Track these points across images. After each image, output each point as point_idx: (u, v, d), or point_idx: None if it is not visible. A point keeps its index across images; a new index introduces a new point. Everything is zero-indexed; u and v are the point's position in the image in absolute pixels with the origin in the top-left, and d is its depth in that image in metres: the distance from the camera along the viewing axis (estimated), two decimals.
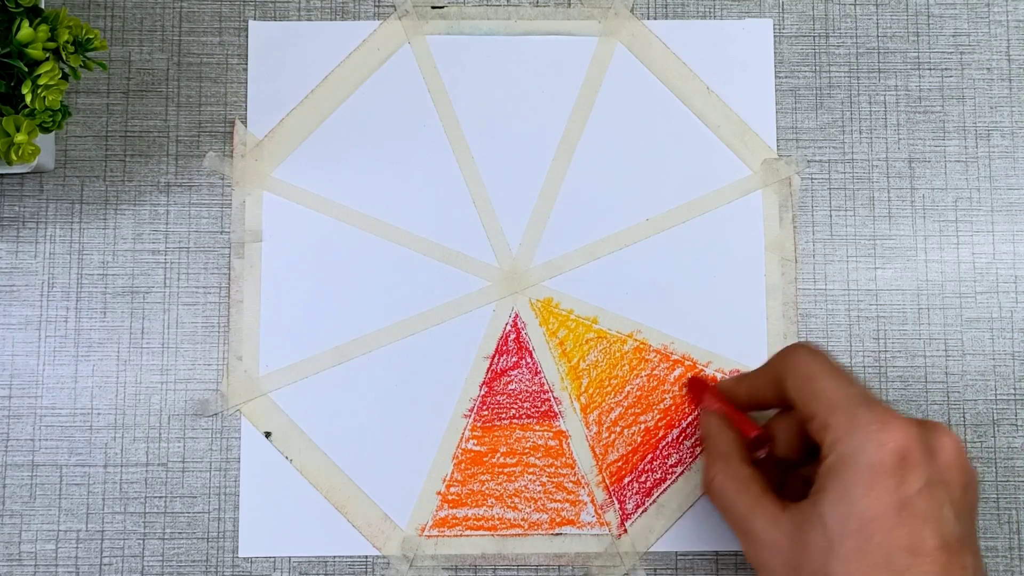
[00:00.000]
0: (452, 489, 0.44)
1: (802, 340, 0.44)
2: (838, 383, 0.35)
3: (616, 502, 0.44)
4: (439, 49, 0.46)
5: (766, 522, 0.36)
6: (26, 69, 0.37)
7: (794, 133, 0.46)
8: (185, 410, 0.44)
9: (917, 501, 0.33)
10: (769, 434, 0.40)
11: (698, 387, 0.43)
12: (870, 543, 0.33)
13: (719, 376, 0.45)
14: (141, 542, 0.43)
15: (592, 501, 0.44)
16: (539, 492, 0.44)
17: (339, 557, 0.44)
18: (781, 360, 0.38)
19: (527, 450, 0.44)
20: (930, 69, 0.47)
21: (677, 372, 0.45)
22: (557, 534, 0.44)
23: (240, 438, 0.44)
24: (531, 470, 0.44)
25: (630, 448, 0.44)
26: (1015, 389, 0.45)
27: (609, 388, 0.45)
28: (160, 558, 0.43)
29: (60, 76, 0.37)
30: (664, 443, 0.44)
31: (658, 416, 0.45)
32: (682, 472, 0.44)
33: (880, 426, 0.34)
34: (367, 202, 0.45)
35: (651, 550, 0.44)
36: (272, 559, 0.43)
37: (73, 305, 0.45)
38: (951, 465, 0.34)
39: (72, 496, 0.44)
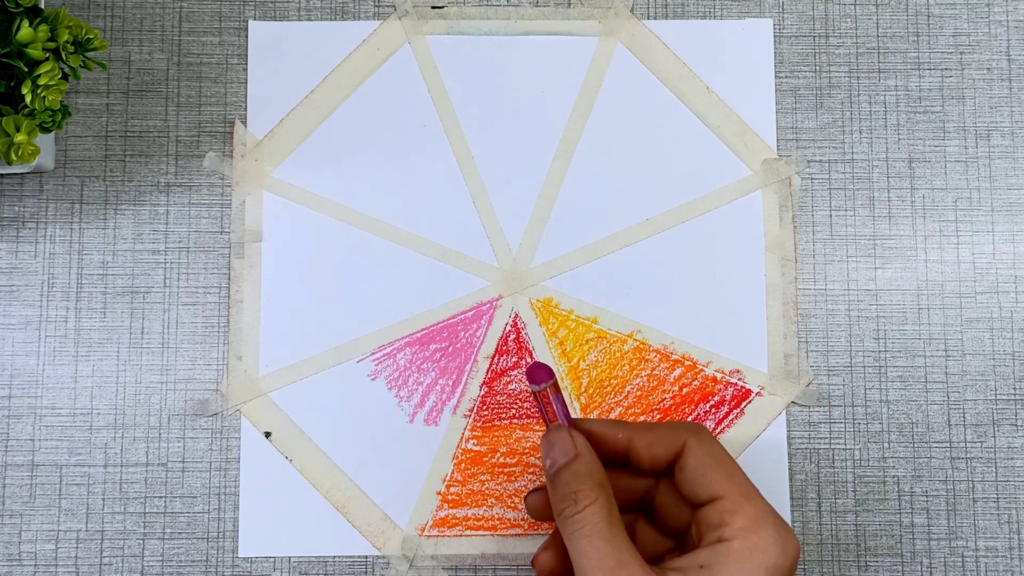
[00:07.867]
0: (452, 489, 0.44)
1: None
2: (746, 477, 0.37)
3: None
4: (439, 49, 0.46)
5: None
6: (26, 69, 0.37)
7: (794, 133, 0.46)
8: (185, 410, 0.44)
9: None
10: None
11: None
12: None
13: (717, 376, 0.45)
14: (141, 542, 0.43)
15: None
16: None
17: (339, 557, 0.44)
18: (690, 430, 0.37)
19: (527, 450, 0.44)
20: (930, 69, 0.47)
21: (677, 372, 0.45)
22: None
23: (240, 438, 0.44)
24: (531, 470, 0.44)
25: None
26: (1015, 389, 0.45)
27: (609, 388, 0.45)
28: (160, 558, 0.43)
29: (60, 76, 0.37)
30: None
31: (658, 416, 0.44)
32: None
33: (784, 532, 0.35)
34: (367, 202, 0.45)
35: None
36: (272, 559, 0.43)
37: (73, 305, 0.45)
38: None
39: (72, 496, 0.44)
